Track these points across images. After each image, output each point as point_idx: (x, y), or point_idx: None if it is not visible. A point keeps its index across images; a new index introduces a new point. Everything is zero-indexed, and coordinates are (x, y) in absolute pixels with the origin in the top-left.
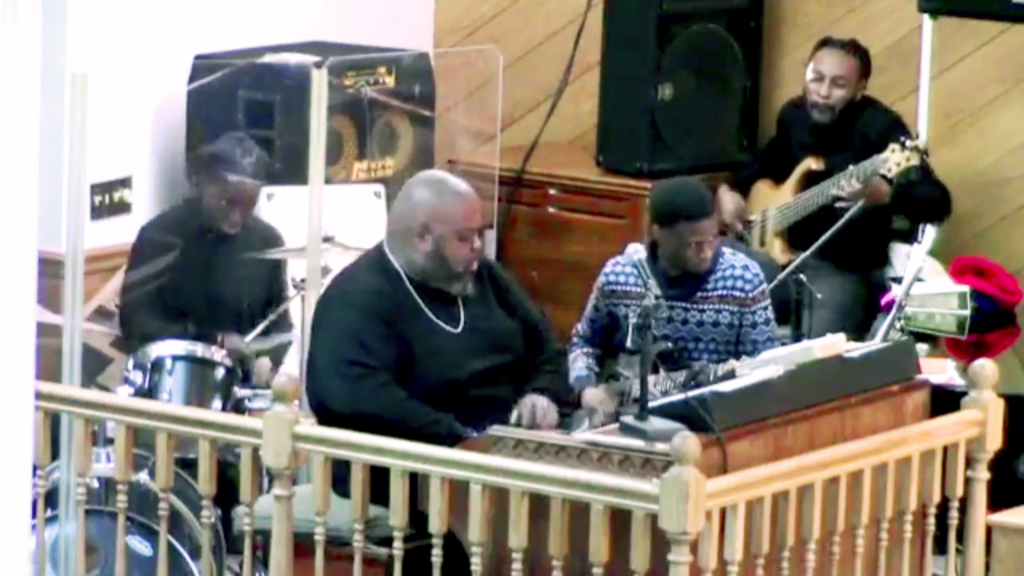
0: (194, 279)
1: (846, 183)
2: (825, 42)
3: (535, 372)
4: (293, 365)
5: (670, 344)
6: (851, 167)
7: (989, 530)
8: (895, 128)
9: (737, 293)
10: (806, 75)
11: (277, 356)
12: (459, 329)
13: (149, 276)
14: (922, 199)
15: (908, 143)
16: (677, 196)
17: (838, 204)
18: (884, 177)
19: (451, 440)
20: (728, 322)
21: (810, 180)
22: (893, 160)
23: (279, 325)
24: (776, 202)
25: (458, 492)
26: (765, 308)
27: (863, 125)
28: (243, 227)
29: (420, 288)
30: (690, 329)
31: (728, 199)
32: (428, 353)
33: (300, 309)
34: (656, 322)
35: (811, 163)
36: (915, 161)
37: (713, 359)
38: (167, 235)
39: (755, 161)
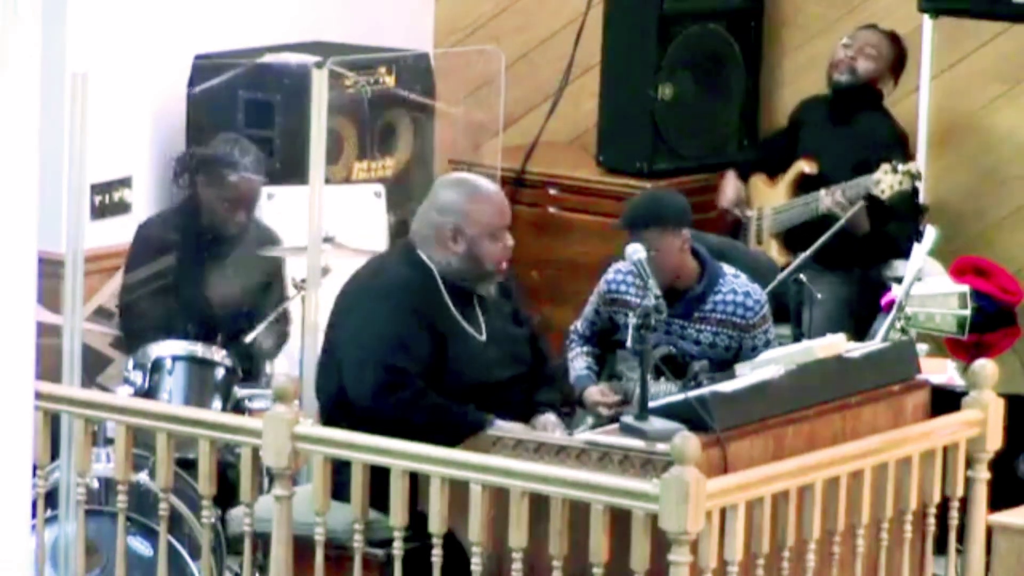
0: (192, 279)
1: (832, 200)
2: (868, 25)
3: (539, 385)
4: (293, 365)
5: (672, 348)
6: (843, 183)
7: (989, 530)
8: (897, 147)
9: (737, 320)
10: (838, 46)
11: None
12: (483, 337)
13: (148, 276)
14: (890, 237)
15: (901, 167)
16: (626, 204)
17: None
18: (875, 198)
19: (472, 432)
20: (725, 345)
21: (802, 183)
22: (886, 182)
23: (280, 325)
24: (770, 201)
25: (458, 492)
26: (766, 332)
27: (871, 131)
28: (242, 228)
29: (450, 289)
30: (687, 347)
31: (730, 186)
32: (459, 355)
33: (300, 309)
34: (656, 323)
35: (804, 166)
36: (907, 185)
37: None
38: (165, 234)
39: (758, 151)
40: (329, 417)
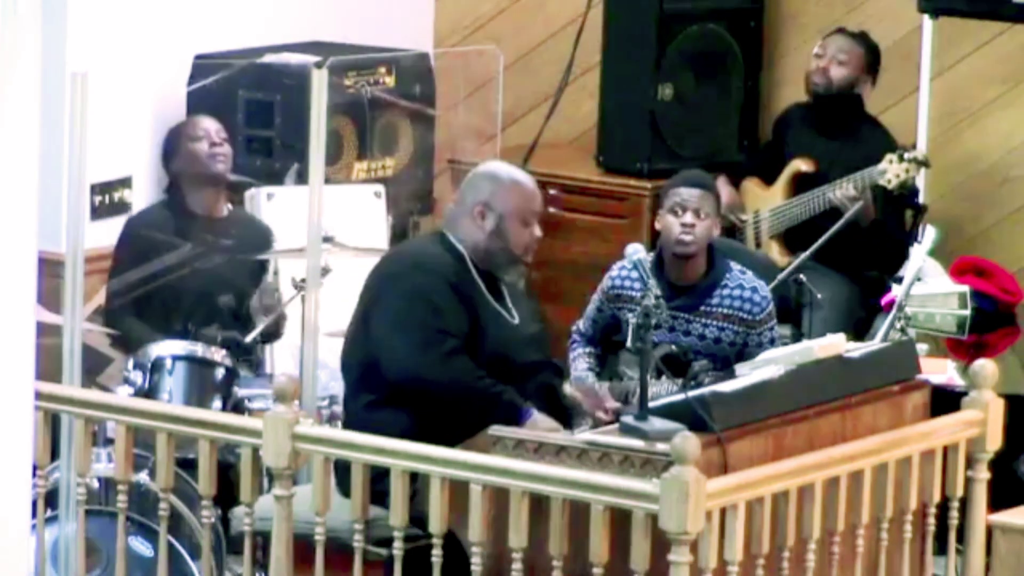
0: (179, 271)
1: (841, 192)
2: (838, 30)
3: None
4: (292, 365)
5: (673, 347)
6: (848, 176)
7: (989, 530)
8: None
9: (744, 315)
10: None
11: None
12: (516, 321)
13: (136, 281)
14: (886, 238)
15: (907, 155)
16: (677, 176)
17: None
18: (883, 188)
19: (508, 412)
20: (730, 340)
21: (799, 182)
22: (892, 172)
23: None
24: (768, 204)
25: (458, 492)
26: (771, 329)
27: (862, 140)
28: (228, 218)
29: (480, 274)
30: (691, 341)
31: (723, 192)
32: (493, 332)
33: (300, 309)
34: (657, 320)
35: (801, 165)
36: (914, 173)
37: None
38: (152, 229)
39: (748, 159)
40: (355, 391)
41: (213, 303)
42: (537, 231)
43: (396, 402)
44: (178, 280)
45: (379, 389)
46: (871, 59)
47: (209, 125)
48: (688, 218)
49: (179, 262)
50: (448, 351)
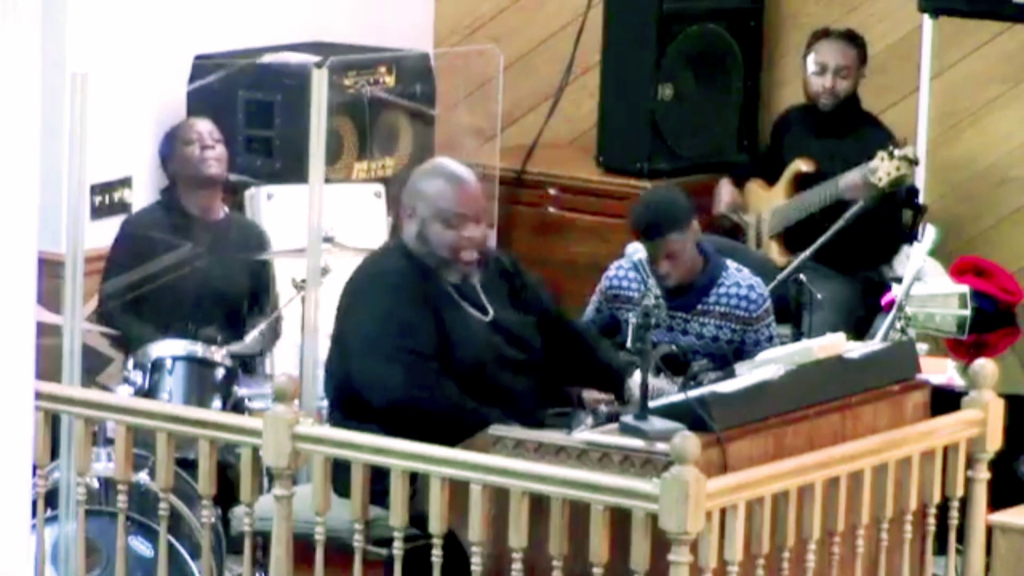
0: (174, 273)
1: (836, 191)
2: (823, 34)
3: (599, 358)
4: (292, 365)
5: (674, 346)
6: (842, 175)
7: (989, 530)
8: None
9: (740, 312)
10: (807, 67)
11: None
12: (488, 318)
13: (132, 282)
14: (882, 235)
15: (897, 152)
16: (635, 210)
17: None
18: (874, 186)
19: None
20: (728, 339)
21: (800, 182)
22: (883, 169)
23: (273, 323)
24: (769, 205)
25: (458, 492)
26: (768, 326)
27: (861, 139)
28: (224, 220)
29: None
30: (690, 340)
31: (725, 192)
32: (462, 336)
33: (300, 309)
34: (656, 319)
35: (801, 165)
36: (905, 170)
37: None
38: (148, 230)
39: (749, 162)
40: (334, 407)
41: (210, 305)
42: (469, 232)
43: (378, 424)
44: (174, 281)
45: (357, 410)
46: (863, 55)
47: (202, 127)
48: (664, 268)
49: (175, 263)
50: (432, 372)
